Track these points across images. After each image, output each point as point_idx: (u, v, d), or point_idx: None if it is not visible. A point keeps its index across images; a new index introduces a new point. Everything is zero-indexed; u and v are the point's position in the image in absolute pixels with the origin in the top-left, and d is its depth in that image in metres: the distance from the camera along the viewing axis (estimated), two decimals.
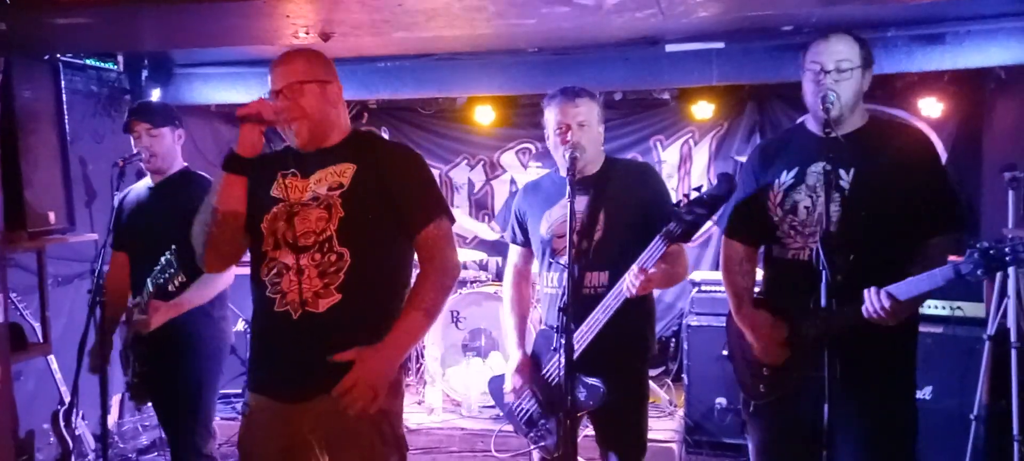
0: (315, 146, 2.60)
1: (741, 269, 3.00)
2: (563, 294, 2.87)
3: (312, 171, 2.57)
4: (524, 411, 3.29)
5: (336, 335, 2.44)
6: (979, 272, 2.38)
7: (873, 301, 2.48)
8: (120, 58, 5.57)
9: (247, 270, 2.64)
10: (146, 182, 3.87)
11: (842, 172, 2.67)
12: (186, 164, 3.85)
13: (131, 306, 3.56)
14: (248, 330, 5.80)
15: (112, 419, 5.63)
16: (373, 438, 2.49)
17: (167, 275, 3.34)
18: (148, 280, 3.42)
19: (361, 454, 2.48)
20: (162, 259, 3.33)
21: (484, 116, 6.78)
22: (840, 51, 2.68)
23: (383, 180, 2.55)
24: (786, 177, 2.81)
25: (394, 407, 2.58)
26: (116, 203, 3.87)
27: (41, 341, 4.48)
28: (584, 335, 2.99)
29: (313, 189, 2.54)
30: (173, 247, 3.30)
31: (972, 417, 4.25)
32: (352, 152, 2.60)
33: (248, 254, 2.64)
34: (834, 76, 2.66)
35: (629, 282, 2.88)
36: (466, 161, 7.20)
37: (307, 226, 2.48)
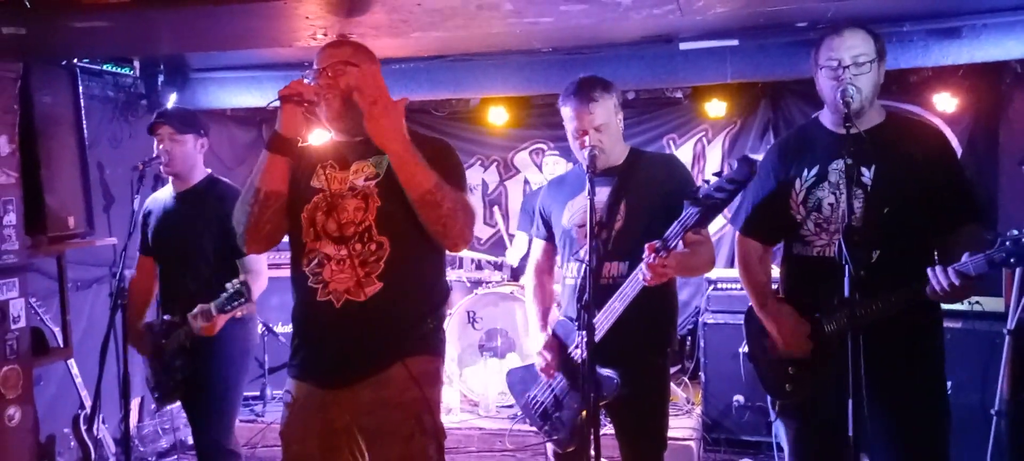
0: (351, 134, 2.63)
1: (761, 266, 3.00)
2: (584, 287, 2.85)
3: (351, 162, 2.61)
4: (539, 403, 3.29)
5: (378, 322, 2.49)
6: (1013, 260, 2.41)
7: (940, 279, 2.47)
8: (136, 63, 5.60)
9: (277, 273, 2.69)
10: (169, 190, 3.91)
11: (863, 169, 2.68)
12: (210, 171, 3.89)
13: (191, 316, 3.60)
14: (267, 333, 5.83)
15: (133, 422, 5.65)
16: (413, 428, 2.52)
17: (238, 303, 3.44)
18: (213, 304, 3.49)
19: (401, 442, 2.51)
20: (230, 287, 3.43)
21: (498, 117, 6.79)
22: (856, 45, 2.67)
23: None
24: (808, 175, 2.80)
25: (433, 395, 2.62)
26: (140, 211, 3.93)
27: (62, 346, 4.50)
28: (601, 323, 2.96)
29: (351, 180, 2.58)
30: (242, 277, 3.44)
31: (993, 412, 4.23)
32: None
33: (280, 253, 2.67)
34: (853, 71, 2.66)
35: (643, 267, 2.85)
36: (480, 162, 7.21)
37: (346, 217, 2.53)
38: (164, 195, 3.94)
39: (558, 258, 3.38)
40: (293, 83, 2.50)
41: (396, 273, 2.51)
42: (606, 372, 2.97)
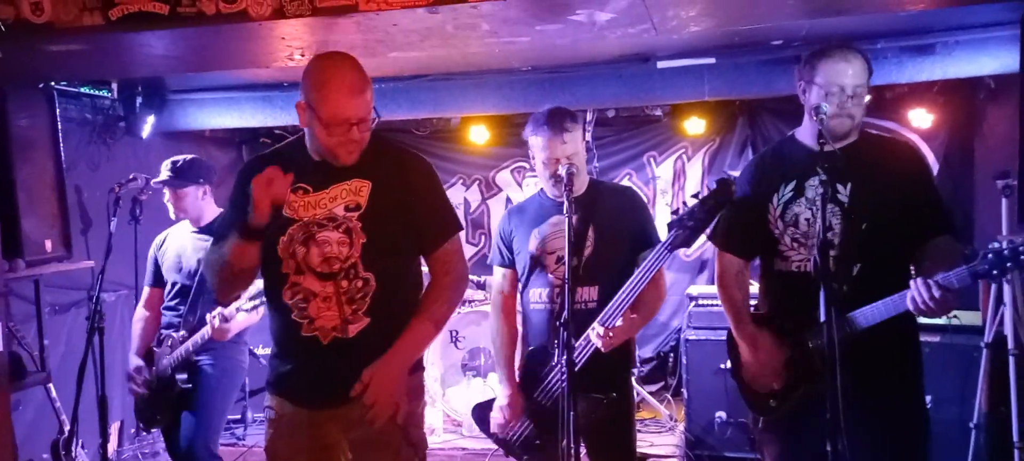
0: (331, 159, 2.54)
1: (737, 282, 3.01)
2: (560, 309, 2.87)
3: (326, 185, 2.53)
4: (519, 434, 3.28)
5: (366, 354, 2.48)
6: (995, 272, 2.46)
7: (922, 292, 2.49)
8: (114, 85, 5.57)
9: None
10: (186, 225, 4.01)
11: (840, 186, 2.70)
12: (222, 211, 3.91)
13: (210, 316, 3.69)
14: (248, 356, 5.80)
15: (111, 447, 5.60)
16: (400, 443, 2.55)
17: (259, 301, 3.47)
18: (232, 305, 3.57)
19: (390, 455, 2.54)
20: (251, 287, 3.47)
21: (479, 136, 6.80)
22: (858, 75, 2.69)
23: (399, 199, 2.54)
24: (785, 190, 2.83)
25: (417, 409, 2.65)
26: (157, 245, 4.05)
27: (39, 370, 4.47)
28: (584, 350, 2.99)
29: (329, 207, 2.51)
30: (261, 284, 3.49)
31: (972, 425, 4.25)
32: (366, 165, 2.54)
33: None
34: (852, 102, 2.69)
35: (594, 338, 2.96)
36: (462, 181, 7.22)
37: (330, 251, 2.48)
38: (180, 231, 4.03)
39: (520, 285, 3.36)
40: (277, 182, 2.36)
41: (383, 308, 2.50)
42: (593, 395, 3.02)
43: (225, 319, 3.61)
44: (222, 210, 3.89)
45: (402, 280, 2.59)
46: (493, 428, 3.31)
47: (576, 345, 2.96)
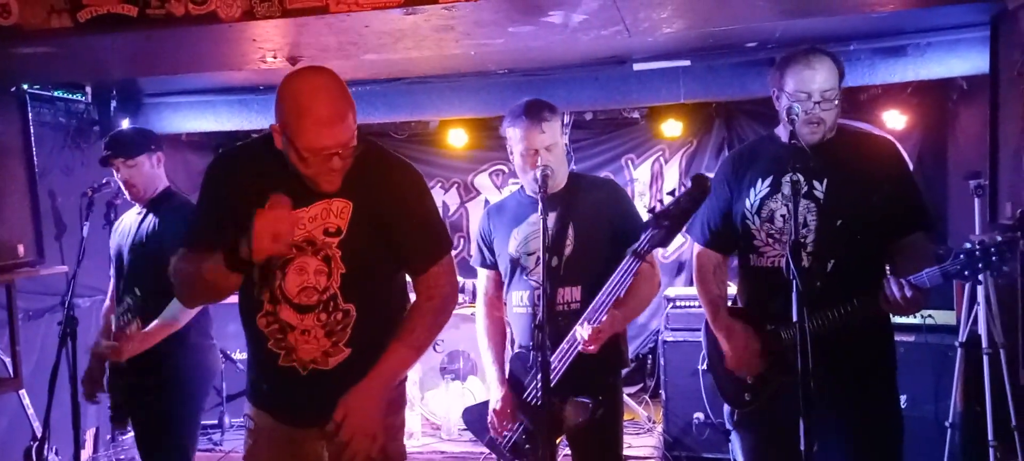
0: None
1: (715, 277, 3.03)
2: (537, 312, 2.86)
3: (304, 202, 2.32)
4: (507, 438, 3.24)
5: (347, 384, 2.35)
6: (966, 273, 2.50)
7: (894, 291, 2.52)
8: (88, 89, 5.52)
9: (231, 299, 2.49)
10: (135, 209, 3.80)
11: (816, 182, 2.72)
12: (169, 184, 3.78)
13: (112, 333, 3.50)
14: (224, 360, 5.76)
15: (86, 454, 5.55)
16: (378, 455, 2.40)
17: (127, 318, 3.33)
18: (112, 316, 3.39)
19: None
20: (126, 300, 3.32)
21: (457, 139, 6.79)
22: (826, 80, 2.71)
23: (383, 220, 2.39)
24: (761, 186, 2.85)
25: (396, 421, 2.56)
26: (112, 239, 3.82)
27: (12, 376, 4.42)
28: (566, 353, 2.97)
29: (308, 228, 2.33)
30: (136, 290, 3.29)
31: (947, 424, 4.28)
32: (347, 181, 2.34)
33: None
34: (822, 107, 2.70)
35: (581, 337, 2.90)
36: (440, 184, 7.20)
37: (306, 280, 2.34)
38: (129, 216, 3.80)
39: (504, 286, 3.34)
40: (281, 227, 2.15)
41: (364, 338, 2.39)
42: (581, 399, 2.98)
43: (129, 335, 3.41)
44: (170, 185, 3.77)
45: (385, 304, 2.47)
46: (489, 430, 3.26)
47: (561, 347, 2.95)
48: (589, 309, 2.92)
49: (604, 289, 2.90)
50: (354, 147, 2.26)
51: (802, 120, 2.69)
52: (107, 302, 3.94)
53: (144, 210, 3.71)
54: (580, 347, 2.91)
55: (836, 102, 2.72)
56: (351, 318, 2.37)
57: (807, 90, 2.69)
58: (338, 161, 2.24)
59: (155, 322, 3.44)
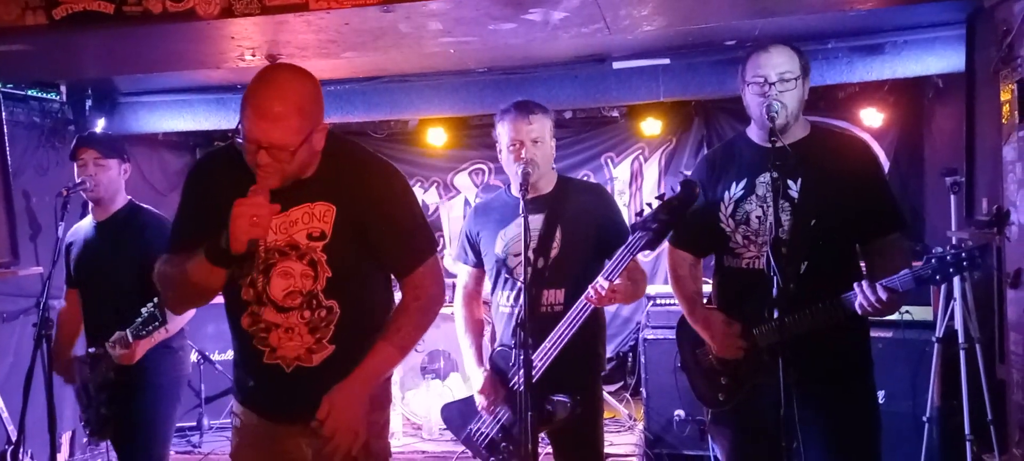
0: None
1: (691, 274, 3.03)
2: (520, 311, 2.85)
3: (286, 205, 2.29)
4: (484, 436, 3.24)
5: (331, 379, 2.34)
6: (938, 278, 2.51)
7: (868, 295, 2.51)
8: (63, 88, 5.46)
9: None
10: (89, 221, 3.76)
11: (790, 182, 2.72)
12: (130, 198, 3.75)
13: (109, 344, 3.47)
14: (203, 362, 5.71)
15: (62, 457, 5.48)
16: (358, 454, 2.40)
17: (153, 327, 3.32)
18: (128, 330, 3.38)
19: None
20: (145, 311, 3.30)
21: (437, 138, 6.78)
22: (782, 63, 2.71)
23: (367, 224, 2.37)
24: (736, 188, 2.84)
25: (380, 419, 2.56)
26: (63, 241, 3.78)
27: None
28: (548, 351, 2.96)
29: (290, 232, 2.33)
30: (156, 299, 3.27)
31: (925, 419, 4.32)
32: (330, 184, 2.35)
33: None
34: (779, 87, 2.70)
35: (594, 292, 2.87)
36: (420, 183, 7.18)
37: (291, 283, 2.33)
38: (85, 225, 3.78)
39: (488, 286, 3.34)
40: (259, 213, 2.14)
41: (348, 334, 2.38)
42: (559, 397, 2.98)
43: (125, 345, 3.43)
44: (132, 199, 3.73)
45: (369, 303, 2.46)
46: (473, 420, 3.26)
47: (544, 345, 2.95)
48: (606, 267, 2.88)
49: (617, 254, 2.88)
50: (291, 155, 2.20)
51: (758, 101, 2.69)
52: (65, 305, 3.87)
53: (106, 223, 3.67)
54: (592, 296, 2.88)
55: (795, 86, 2.71)
56: (335, 314, 2.37)
57: (764, 74, 2.70)
58: (264, 157, 2.18)
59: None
